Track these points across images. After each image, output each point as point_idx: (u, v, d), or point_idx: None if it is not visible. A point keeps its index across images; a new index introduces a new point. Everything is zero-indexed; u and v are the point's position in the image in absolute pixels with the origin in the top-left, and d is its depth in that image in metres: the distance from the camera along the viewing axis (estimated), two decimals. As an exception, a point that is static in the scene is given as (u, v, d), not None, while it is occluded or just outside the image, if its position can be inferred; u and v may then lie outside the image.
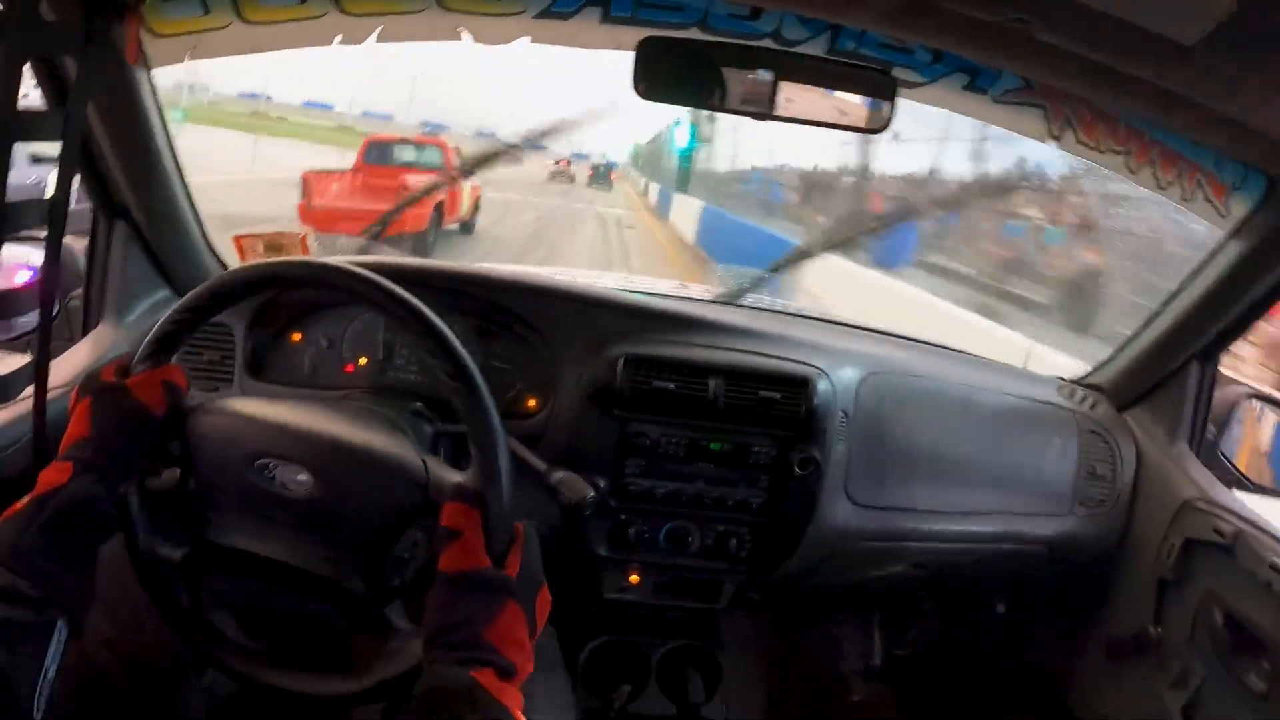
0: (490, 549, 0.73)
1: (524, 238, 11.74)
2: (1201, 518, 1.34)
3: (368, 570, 0.77)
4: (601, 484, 1.22)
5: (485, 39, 1.16)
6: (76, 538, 0.69)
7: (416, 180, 8.70)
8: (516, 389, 1.28)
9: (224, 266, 1.41)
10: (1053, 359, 2.31)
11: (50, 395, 0.93)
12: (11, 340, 1.30)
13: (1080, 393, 1.49)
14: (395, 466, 0.80)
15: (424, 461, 0.81)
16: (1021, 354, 1.62)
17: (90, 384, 0.77)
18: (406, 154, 9.85)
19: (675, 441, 1.25)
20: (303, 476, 0.77)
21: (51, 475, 0.70)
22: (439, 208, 9.04)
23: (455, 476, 0.79)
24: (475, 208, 11.01)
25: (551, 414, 1.24)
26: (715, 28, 1.10)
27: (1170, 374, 1.43)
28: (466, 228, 10.72)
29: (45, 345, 1.00)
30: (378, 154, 9.51)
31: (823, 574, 1.37)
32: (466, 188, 10.15)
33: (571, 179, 25.02)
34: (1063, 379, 1.54)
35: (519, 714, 0.65)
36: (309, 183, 7.86)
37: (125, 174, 1.22)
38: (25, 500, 0.68)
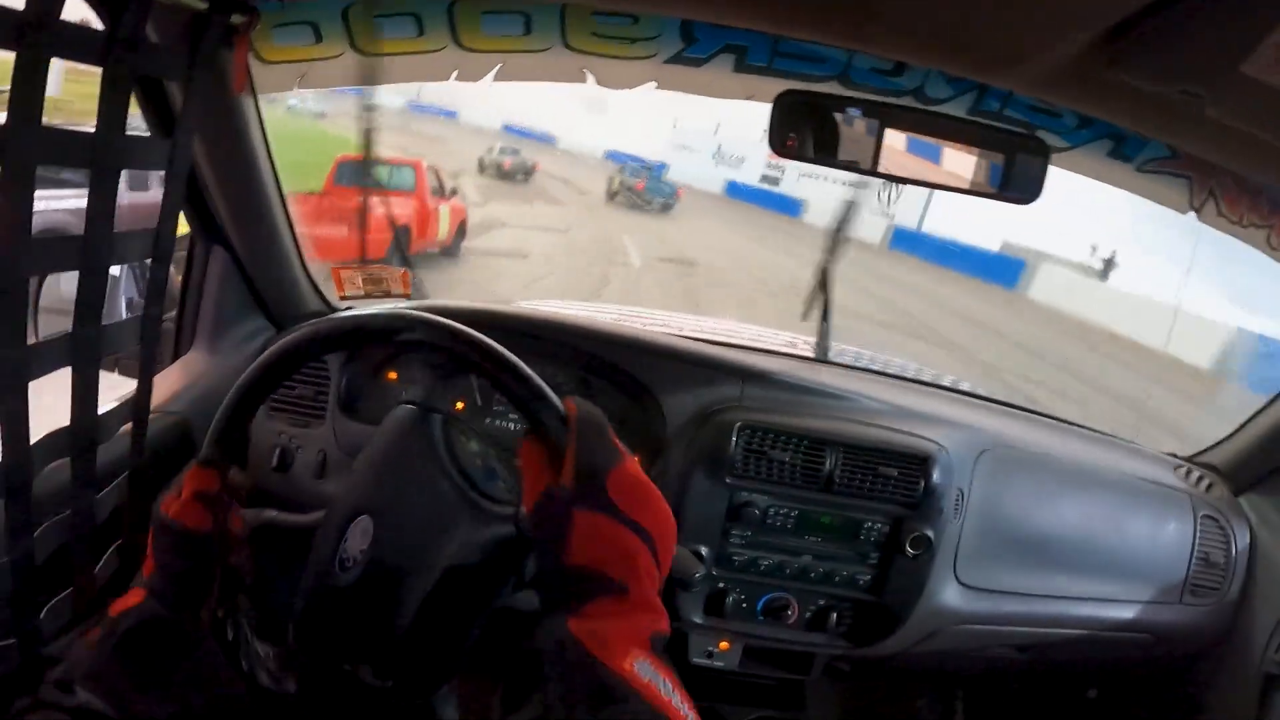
0: (554, 467, 0.67)
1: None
2: None
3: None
4: (705, 551, 1.17)
5: (609, 83, 1.12)
6: (148, 659, 0.68)
7: (382, 204, 7.95)
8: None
9: (322, 298, 1.38)
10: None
11: None
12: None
13: (1196, 473, 1.41)
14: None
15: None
16: (1131, 424, 1.54)
17: (153, 514, 0.75)
18: (380, 174, 8.66)
19: (785, 512, 1.19)
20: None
21: (126, 599, 0.70)
22: (402, 233, 8.16)
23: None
24: (460, 230, 9.91)
25: (657, 476, 1.19)
26: (856, 82, 1.06)
27: None
28: (448, 252, 9.56)
29: (148, 372, 0.97)
30: (350, 174, 8.34)
31: (920, 652, 1.30)
32: (445, 209, 9.26)
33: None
34: (1178, 457, 1.46)
35: (636, 653, 0.59)
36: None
37: (226, 201, 1.19)
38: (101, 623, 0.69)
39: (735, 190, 24.67)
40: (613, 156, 25.62)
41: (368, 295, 1.40)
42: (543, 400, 0.72)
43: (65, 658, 0.69)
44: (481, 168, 17.45)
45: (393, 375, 1.25)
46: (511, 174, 17.73)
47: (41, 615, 0.84)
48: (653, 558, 0.65)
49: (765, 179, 24.10)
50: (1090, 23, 0.76)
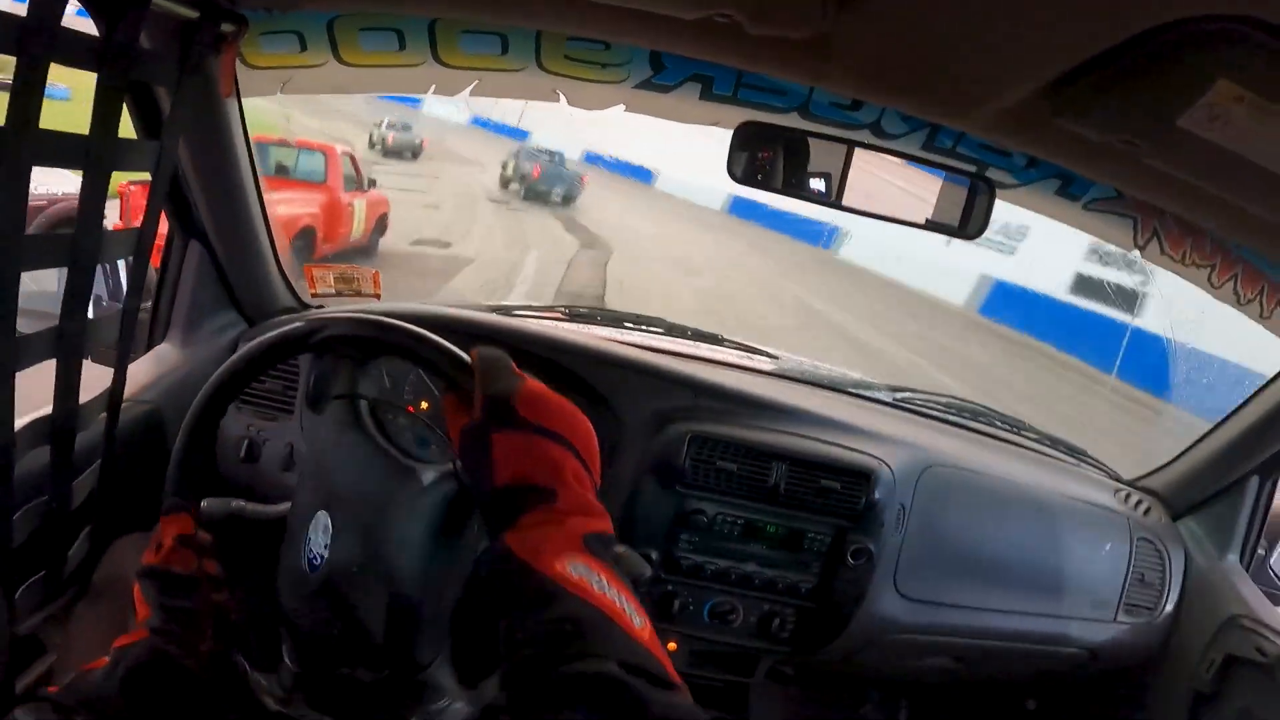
0: (470, 409, 0.71)
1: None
2: (1245, 635, 1.32)
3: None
4: (654, 555, 1.22)
5: (580, 103, 1.16)
6: (154, 693, 0.70)
7: (284, 195, 6.71)
8: None
9: (294, 295, 1.41)
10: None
11: None
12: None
13: (1135, 496, 1.47)
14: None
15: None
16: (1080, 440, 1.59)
17: (137, 570, 0.78)
18: (284, 160, 7.52)
19: (731, 520, 1.24)
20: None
21: (128, 637, 0.73)
22: (306, 234, 6.98)
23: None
24: (379, 226, 8.79)
25: (607, 482, 1.23)
26: (815, 115, 1.10)
27: (1228, 486, 1.41)
28: (364, 251, 8.40)
29: (124, 364, 1.01)
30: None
31: (860, 659, 1.36)
32: (360, 204, 8.10)
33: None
34: (1119, 480, 1.52)
35: (569, 555, 0.60)
36: (126, 198, 5.22)
37: (206, 198, 1.22)
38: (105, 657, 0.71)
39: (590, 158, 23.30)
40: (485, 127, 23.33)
41: (339, 294, 1.44)
42: (446, 355, 0.77)
43: (65, 685, 0.71)
44: (370, 144, 15.84)
45: None
46: (398, 151, 16.12)
47: (17, 596, 0.87)
48: (579, 462, 0.68)
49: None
50: (1034, 74, 0.81)
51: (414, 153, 16.75)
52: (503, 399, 0.69)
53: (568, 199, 15.26)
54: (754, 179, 1.07)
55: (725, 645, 1.31)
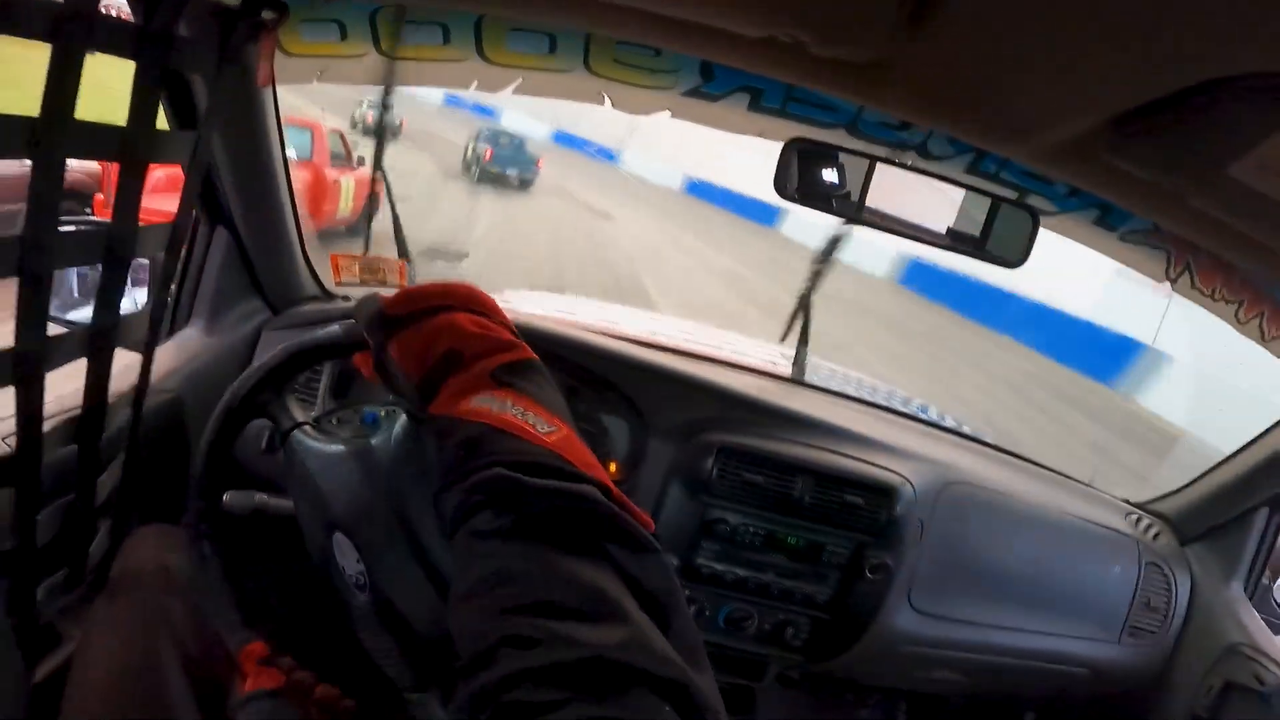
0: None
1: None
2: (1245, 663, 1.34)
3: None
4: (675, 562, 1.22)
5: (625, 107, 1.15)
6: None
7: None
8: (599, 454, 1.26)
9: (319, 284, 1.39)
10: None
11: None
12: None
13: (1146, 520, 1.49)
14: None
15: None
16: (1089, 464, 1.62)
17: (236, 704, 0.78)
18: None
19: (753, 531, 1.25)
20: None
21: None
22: None
23: None
24: (372, 205, 8.91)
25: (633, 486, 1.24)
26: (863, 133, 1.09)
27: (1238, 516, 1.43)
28: (353, 229, 8.12)
29: (149, 360, 0.99)
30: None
31: (868, 669, 1.37)
32: (348, 181, 7.99)
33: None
34: (1130, 503, 1.54)
35: (476, 394, 0.59)
36: (106, 171, 5.09)
37: (236, 185, 1.20)
38: None
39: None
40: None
41: (363, 283, 1.42)
42: (338, 336, 0.80)
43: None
44: (352, 124, 14.83)
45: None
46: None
47: (39, 595, 0.86)
48: (469, 313, 0.67)
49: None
50: (1094, 111, 0.80)
51: (394, 132, 16.31)
52: (376, 317, 0.69)
53: (523, 182, 15.05)
54: (800, 195, 1.06)
55: (737, 651, 1.32)
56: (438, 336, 0.65)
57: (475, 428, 0.56)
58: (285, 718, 0.75)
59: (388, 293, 0.72)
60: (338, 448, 0.81)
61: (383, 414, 1.00)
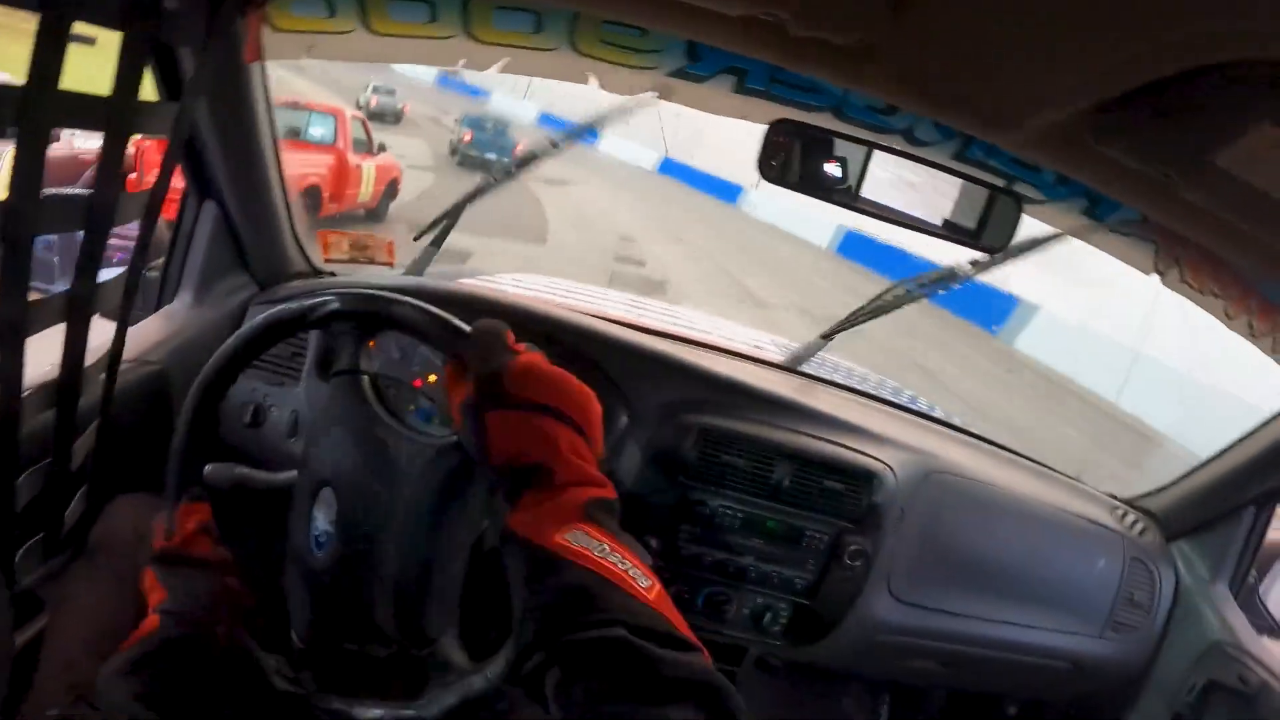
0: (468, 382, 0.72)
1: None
2: (1228, 662, 1.34)
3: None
4: (653, 544, 1.22)
5: (611, 87, 1.15)
6: (177, 677, 0.72)
7: (294, 156, 6.30)
8: None
9: (307, 260, 1.40)
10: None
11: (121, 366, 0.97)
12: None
13: (1131, 516, 1.48)
14: None
15: None
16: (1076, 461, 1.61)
17: (153, 553, 0.80)
18: (295, 122, 7.58)
19: (732, 514, 1.25)
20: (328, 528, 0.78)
21: (143, 626, 0.74)
22: (311, 193, 7.14)
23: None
24: (390, 190, 8.94)
25: (612, 467, 1.24)
26: (849, 117, 1.08)
27: (1225, 513, 1.42)
28: (372, 214, 8.59)
29: (124, 326, 1.00)
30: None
31: (847, 656, 1.37)
32: (369, 166, 8.22)
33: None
34: (1116, 498, 1.53)
35: (568, 525, 0.61)
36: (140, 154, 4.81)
37: (223, 159, 1.21)
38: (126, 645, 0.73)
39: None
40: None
41: (352, 260, 1.42)
42: (446, 328, 0.78)
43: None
44: (358, 106, 14.87)
45: (372, 342, 1.28)
46: (380, 114, 15.84)
47: (16, 559, 0.87)
48: (574, 433, 0.68)
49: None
50: (1080, 97, 0.80)
51: (396, 117, 16.76)
52: (494, 376, 0.69)
53: (502, 165, 14.98)
54: (784, 179, 1.05)
55: (716, 634, 1.33)
56: (536, 441, 0.66)
57: (581, 573, 0.58)
58: (201, 586, 0.77)
59: (382, 273, 0.72)
60: (393, 425, 0.82)
61: (435, 419, 1.00)
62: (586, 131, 1.39)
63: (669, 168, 21.32)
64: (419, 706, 0.73)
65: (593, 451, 0.69)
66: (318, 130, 7.70)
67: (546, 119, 23.78)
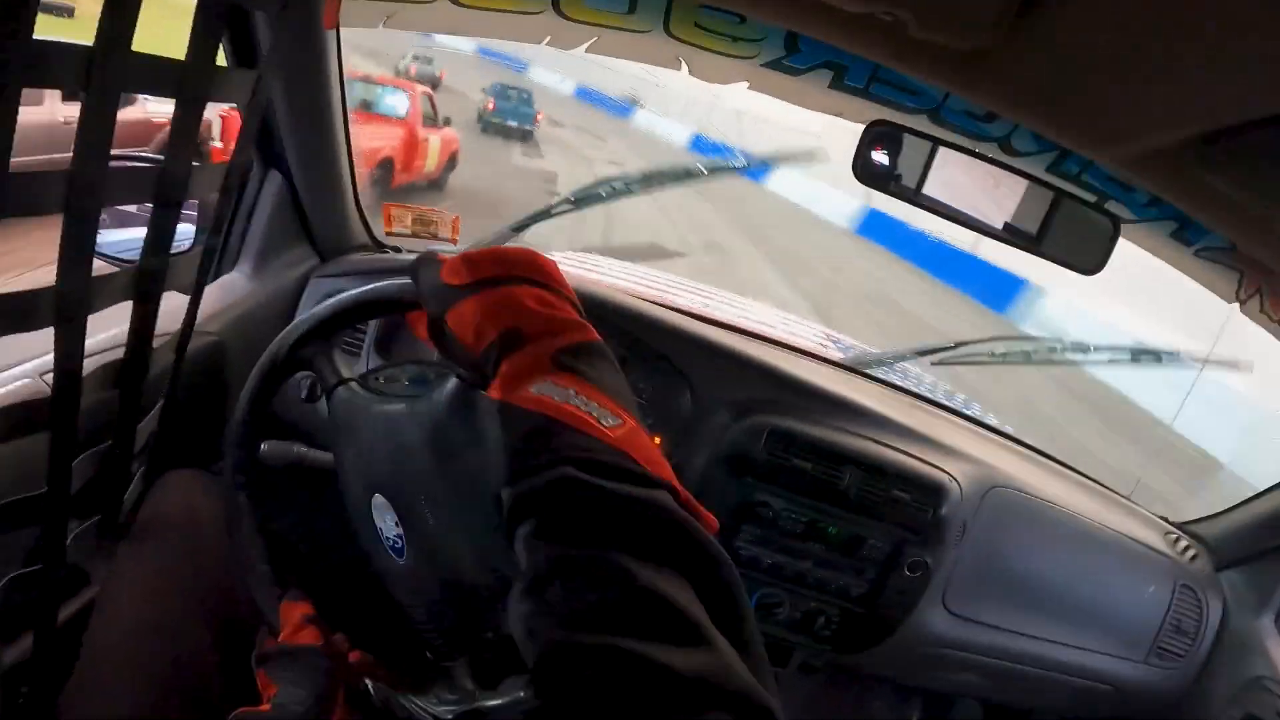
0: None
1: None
2: (1269, 698, 1.33)
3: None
4: None
5: (702, 75, 1.11)
6: None
7: (367, 129, 7.22)
8: (646, 425, 1.24)
9: (370, 234, 1.37)
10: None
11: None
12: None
13: (1184, 541, 1.46)
14: None
15: None
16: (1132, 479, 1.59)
17: (259, 654, 0.75)
18: (369, 95, 7.97)
19: (795, 518, 1.23)
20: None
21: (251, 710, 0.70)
22: (385, 165, 7.47)
23: None
24: (450, 162, 9.22)
25: (678, 461, 1.22)
26: (946, 120, 1.06)
27: (1277, 546, 1.41)
28: (434, 184, 8.87)
29: (195, 304, 0.95)
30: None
31: (894, 665, 1.36)
32: (435, 139, 8.49)
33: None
34: (1169, 522, 1.51)
35: (534, 379, 0.56)
36: (226, 124, 5.00)
37: (292, 129, 1.18)
38: None
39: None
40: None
41: (415, 235, 1.39)
42: (391, 292, 0.79)
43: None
44: (395, 74, 15.18)
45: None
46: (418, 82, 15.80)
47: (69, 541, 0.83)
48: (533, 286, 0.64)
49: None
50: (1189, 122, 0.78)
51: (434, 84, 16.35)
52: (434, 283, 0.66)
53: (523, 134, 15.38)
54: (877, 181, 1.03)
55: (765, 636, 1.31)
56: (498, 311, 0.62)
57: (538, 419, 0.54)
58: (317, 676, 0.73)
59: (444, 249, 0.69)
60: (388, 407, 0.77)
61: (432, 376, 0.98)
62: (757, 165, 1.37)
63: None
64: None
65: (560, 296, 0.65)
66: (391, 102, 7.92)
67: (581, 93, 23.96)
